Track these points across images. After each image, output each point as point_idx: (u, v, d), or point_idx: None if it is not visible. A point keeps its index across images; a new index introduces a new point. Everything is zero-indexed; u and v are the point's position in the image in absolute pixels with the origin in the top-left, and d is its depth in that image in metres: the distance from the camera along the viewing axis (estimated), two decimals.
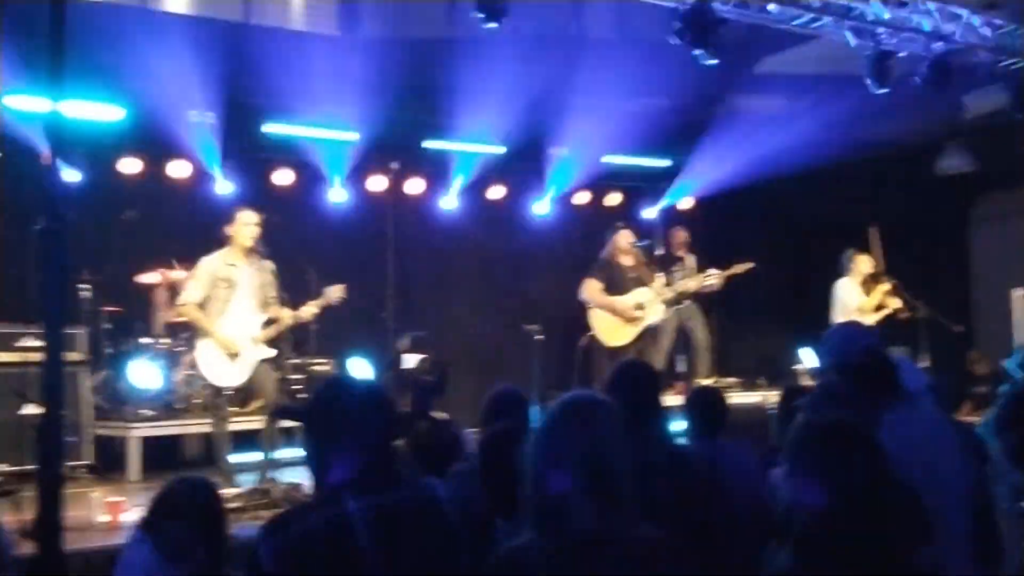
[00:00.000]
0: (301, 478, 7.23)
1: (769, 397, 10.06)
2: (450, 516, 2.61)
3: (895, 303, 9.54)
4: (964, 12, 8.79)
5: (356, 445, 2.60)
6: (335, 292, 7.70)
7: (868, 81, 8.52)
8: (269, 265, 7.59)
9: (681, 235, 11.16)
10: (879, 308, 9.53)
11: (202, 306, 7.45)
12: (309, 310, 7.69)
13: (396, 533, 2.51)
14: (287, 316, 7.50)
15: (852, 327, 3.93)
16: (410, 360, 9.10)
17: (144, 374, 9.09)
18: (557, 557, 2.29)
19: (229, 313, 7.41)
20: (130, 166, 10.09)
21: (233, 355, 7.34)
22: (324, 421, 2.66)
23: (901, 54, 8.62)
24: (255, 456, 8.45)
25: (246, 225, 7.43)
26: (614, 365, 4.20)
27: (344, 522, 2.48)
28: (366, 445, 2.60)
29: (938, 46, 8.58)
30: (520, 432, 3.35)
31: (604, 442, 2.38)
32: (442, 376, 6.72)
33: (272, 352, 7.54)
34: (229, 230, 7.48)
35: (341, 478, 2.59)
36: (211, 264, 7.49)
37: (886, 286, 9.56)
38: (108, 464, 8.56)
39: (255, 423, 8.88)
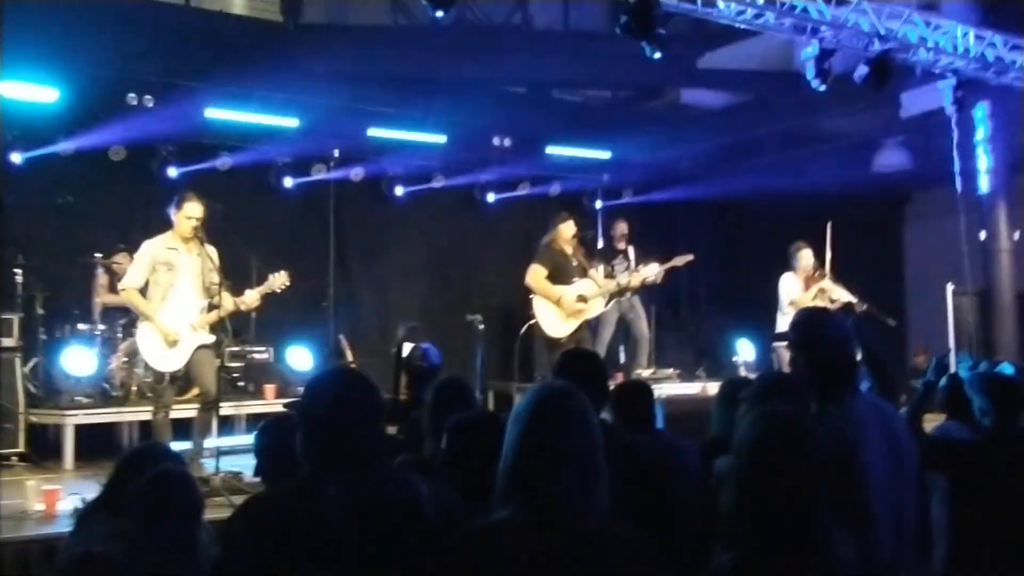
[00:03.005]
0: (240, 467, 7.19)
1: (708, 388, 10.18)
2: (429, 515, 2.62)
3: (832, 296, 9.68)
4: (904, 11, 8.93)
5: (339, 435, 2.64)
6: (278, 279, 7.61)
7: (808, 78, 8.62)
8: (212, 250, 7.49)
9: (622, 227, 11.21)
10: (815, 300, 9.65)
11: (143, 291, 7.35)
12: (252, 296, 7.61)
13: (370, 523, 2.54)
14: (229, 302, 7.42)
15: (829, 317, 3.95)
16: (406, 349, 9.13)
17: (79, 360, 8.94)
18: (531, 537, 2.36)
19: (170, 298, 7.32)
20: (66, 149, 9.89)
21: (173, 340, 7.26)
22: (309, 412, 2.70)
23: (841, 51, 8.73)
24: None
25: (188, 217, 7.32)
26: (560, 354, 4.21)
27: (320, 506, 2.52)
28: (349, 435, 2.64)
29: (877, 45, 8.70)
30: (486, 420, 3.37)
31: (588, 428, 2.50)
32: (436, 368, 6.71)
33: (212, 338, 7.43)
34: (173, 215, 7.37)
35: (323, 466, 2.62)
36: (152, 248, 7.39)
37: (825, 283, 9.70)
38: (41, 452, 8.42)
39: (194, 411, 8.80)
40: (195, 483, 3.56)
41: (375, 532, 2.54)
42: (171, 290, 7.33)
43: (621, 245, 10.99)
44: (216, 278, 7.37)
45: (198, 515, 3.45)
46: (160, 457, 3.80)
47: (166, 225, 7.50)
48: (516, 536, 2.39)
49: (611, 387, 4.34)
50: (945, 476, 4.35)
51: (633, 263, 10.69)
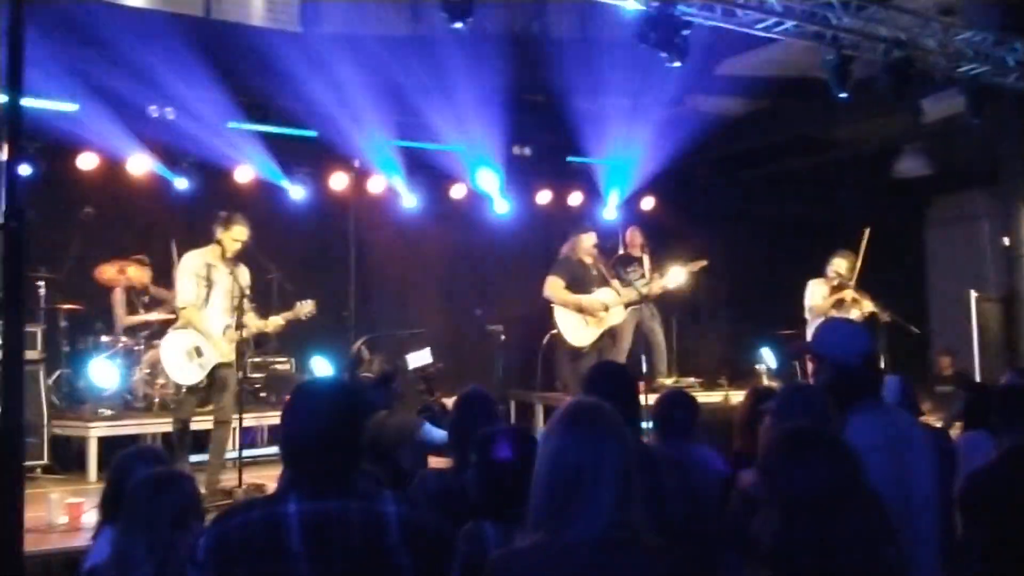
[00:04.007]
0: (262, 479, 7.21)
1: (730, 397, 10.14)
2: (394, 535, 2.55)
3: (857, 308, 9.58)
4: (923, 18, 8.90)
5: (310, 448, 2.60)
6: (306, 308, 7.75)
7: (828, 84, 8.59)
8: (244, 271, 7.64)
9: (637, 236, 11.19)
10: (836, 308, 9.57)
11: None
12: (276, 321, 7.76)
13: (330, 542, 2.49)
14: (254, 324, 7.59)
15: (850, 326, 3.92)
16: (412, 360, 9.28)
17: (103, 373, 8.98)
18: (567, 559, 2.35)
19: (203, 311, 7.44)
20: (88, 161, 9.96)
21: (196, 353, 7.35)
22: (286, 423, 2.67)
23: (861, 57, 8.70)
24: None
25: (235, 240, 7.46)
26: (589, 368, 4.20)
27: (280, 523, 2.48)
28: (319, 449, 2.59)
29: (897, 52, 8.66)
30: (514, 435, 3.36)
31: (623, 444, 2.47)
32: (385, 375, 6.80)
33: (232, 356, 7.53)
34: (218, 233, 7.48)
35: (291, 479, 2.61)
36: (193, 261, 7.52)
37: (847, 292, 9.60)
38: (64, 464, 8.46)
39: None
40: (183, 485, 3.49)
41: (333, 551, 2.49)
42: (204, 304, 7.44)
43: (636, 253, 10.97)
44: (247, 299, 7.52)
45: (185, 518, 3.36)
46: (148, 460, 3.76)
47: (210, 239, 7.56)
48: (552, 562, 2.36)
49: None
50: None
51: (647, 271, 10.66)
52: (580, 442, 2.44)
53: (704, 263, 10.38)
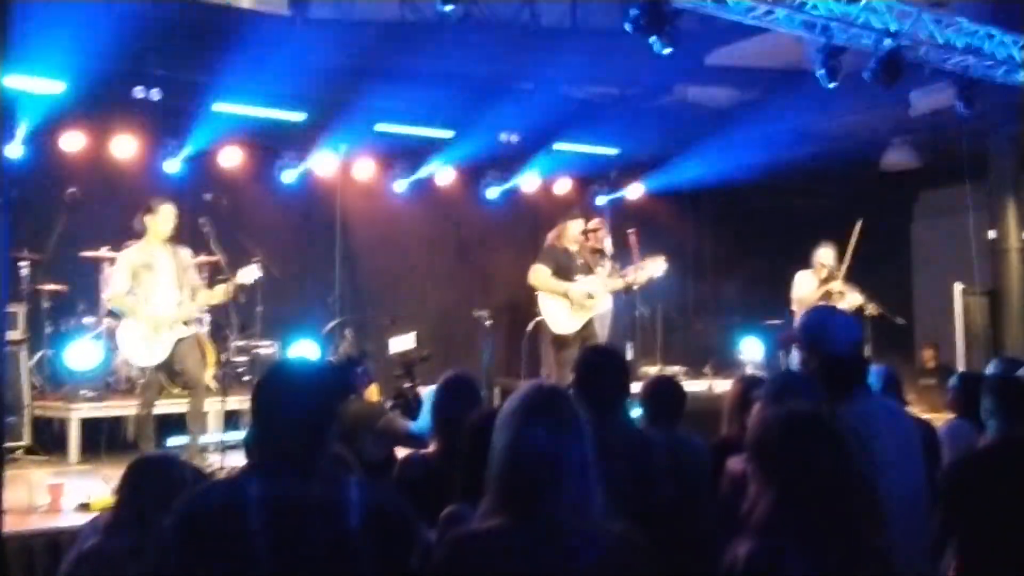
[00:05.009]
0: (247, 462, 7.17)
1: (715, 386, 10.15)
2: (354, 519, 2.53)
3: (843, 300, 9.56)
4: (913, 10, 8.89)
5: (274, 431, 2.60)
6: (249, 273, 7.81)
7: (818, 75, 8.58)
8: (188, 252, 7.87)
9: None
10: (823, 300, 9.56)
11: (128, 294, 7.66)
12: (218, 291, 7.86)
13: (289, 525, 2.48)
14: (202, 297, 7.79)
15: (839, 316, 3.92)
16: (394, 344, 9.33)
17: (85, 354, 8.94)
18: (527, 543, 2.32)
19: (150, 297, 7.61)
20: (73, 142, 9.88)
21: (153, 335, 7.54)
22: (255, 403, 2.68)
23: (851, 49, 8.69)
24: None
25: (165, 222, 7.66)
26: (582, 350, 4.19)
27: (241, 504, 2.47)
28: (285, 432, 2.58)
29: (887, 43, 8.65)
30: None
31: (581, 430, 2.44)
32: (349, 359, 6.82)
33: (189, 331, 7.72)
34: (148, 220, 7.65)
35: (256, 461, 2.63)
36: (129, 256, 7.71)
37: (835, 284, 9.58)
38: (47, 445, 8.42)
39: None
40: (169, 470, 3.48)
41: (293, 534, 2.48)
42: (153, 288, 7.62)
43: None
44: (196, 279, 7.82)
45: (169, 502, 3.34)
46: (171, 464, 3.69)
47: (143, 230, 7.75)
48: (512, 545, 2.34)
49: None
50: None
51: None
52: (540, 431, 2.41)
53: (662, 258, 10.20)
